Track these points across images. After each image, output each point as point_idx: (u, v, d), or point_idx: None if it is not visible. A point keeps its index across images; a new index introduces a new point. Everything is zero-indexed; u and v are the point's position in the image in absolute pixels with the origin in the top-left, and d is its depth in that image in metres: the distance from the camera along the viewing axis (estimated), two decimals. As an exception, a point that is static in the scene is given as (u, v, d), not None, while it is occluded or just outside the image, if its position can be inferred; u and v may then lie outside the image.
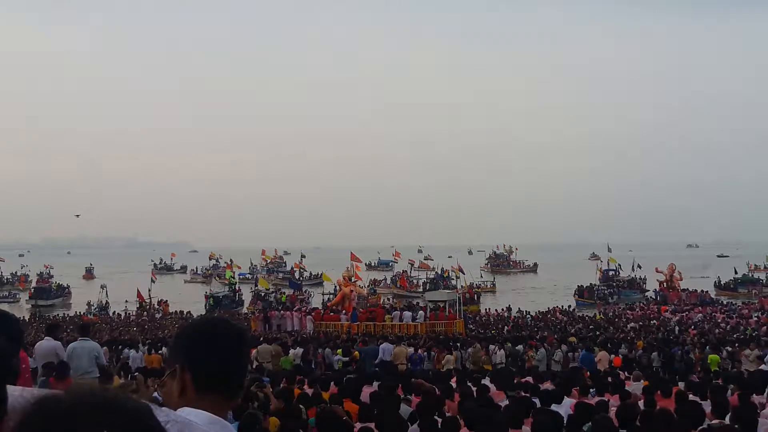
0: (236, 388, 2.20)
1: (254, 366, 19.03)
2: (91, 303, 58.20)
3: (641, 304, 54.00)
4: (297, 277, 70.82)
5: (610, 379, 14.29)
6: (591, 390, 12.01)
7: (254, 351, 21.31)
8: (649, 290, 64.22)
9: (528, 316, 45.70)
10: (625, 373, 17.26)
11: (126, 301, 58.06)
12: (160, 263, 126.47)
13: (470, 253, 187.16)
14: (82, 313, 53.41)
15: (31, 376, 8.64)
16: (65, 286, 74.74)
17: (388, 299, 54.78)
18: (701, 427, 7.46)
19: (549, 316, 45.21)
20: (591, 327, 36.70)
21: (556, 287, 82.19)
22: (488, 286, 68.50)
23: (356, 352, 22.74)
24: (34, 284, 75.64)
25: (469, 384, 12.60)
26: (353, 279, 44.85)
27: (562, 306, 50.27)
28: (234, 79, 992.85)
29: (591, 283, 66.10)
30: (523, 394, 10.94)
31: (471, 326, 38.40)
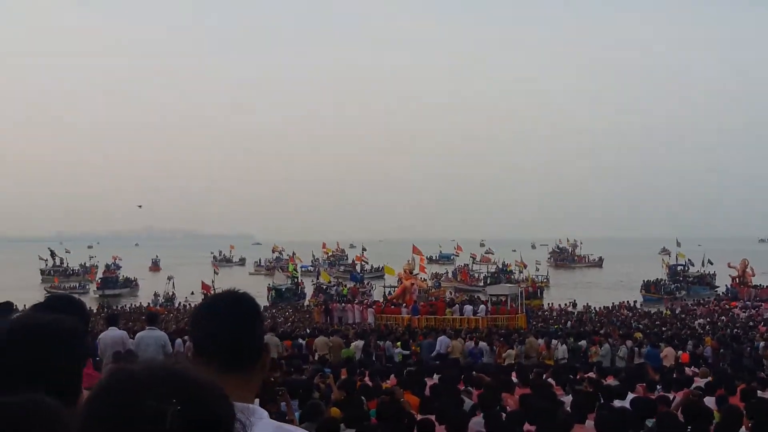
0: (249, 363, 2.09)
1: (316, 357, 19.31)
2: (158, 294, 59.65)
3: (712, 300, 52.69)
4: (358, 270, 71.17)
5: (675, 375, 14.05)
6: (657, 386, 11.85)
7: (314, 342, 21.66)
8: (719, 286, 62.61)
9: (592, 311, 45.10)
10: (693, 369, 16.94)
11: (192, 293, 59.20)
12: (220, 255, 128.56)
13: (533, 247, 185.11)
14: (148, 304, 54.79)
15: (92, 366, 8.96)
16: (132, 279, 76.80)
17: (450, 293, 54.69)
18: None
19: (614, 311, 44.53)
20: (657, 323, 35.99)
21: (622, 283, 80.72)
22: (541, 281, 67.24)
23: (414, 346, 22.87)
24: (100, 275, 77.91)
25: (531, 378, 12.58)
26: (416, 272, 44.93)
27: (628, 301, 49.36)
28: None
29: (658, 278, 64.98)
30: (587, 389, 10.88)
31: (533, 321, 38.11)
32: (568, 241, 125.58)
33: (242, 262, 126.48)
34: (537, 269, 72.08)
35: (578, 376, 13.94)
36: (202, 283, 56.82)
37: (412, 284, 41.19)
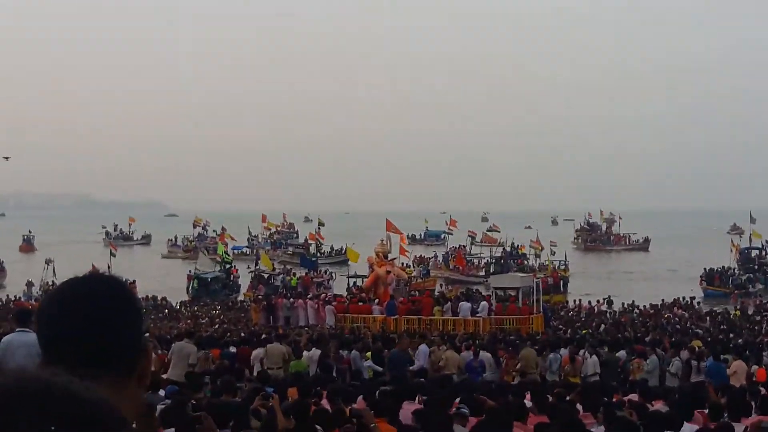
0: (116, 369, 2.07)
1: (255, 372, 19.29)
2: (32, 283, 59.12)
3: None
4: (313, 253, 71.20)
5: (747, 397, 14.20)
6: (722, 413, 11.98)
7: (254, 353, 21.69)
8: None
9: (634, 310, 45.52)
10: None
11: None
12: (115, 230, 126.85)
13: (555, 222, 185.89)
14: (17, 298, 54.27)
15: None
16: (-4, 261, 76.03)
17: (441, 285, 54.94)
18: None
19: (664, 311, 44.98)
20: (723, 327, 36.41)
21: (675, 272, 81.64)
22: (565, 270, 66.65)
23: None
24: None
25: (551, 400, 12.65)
26: (394, 256, 44.96)
27: (683, 298, 49.87)
28: None
29: (724, 266, 65.39)
30: (627, 415, 10.97)
31: (553, 323, 38.39)
32: (602, 214, 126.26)
33: (146, 239, 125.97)
34: (552, 252, 71.70)
35: (615, 399, 14.06)
36: (93, 268, 56.22)
37: (388, 273, 41.38)
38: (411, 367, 22.18)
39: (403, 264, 51.24)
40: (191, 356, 19.15)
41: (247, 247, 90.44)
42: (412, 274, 56.86)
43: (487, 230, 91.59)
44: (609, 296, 52.35)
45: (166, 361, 19.56)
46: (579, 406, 12.73)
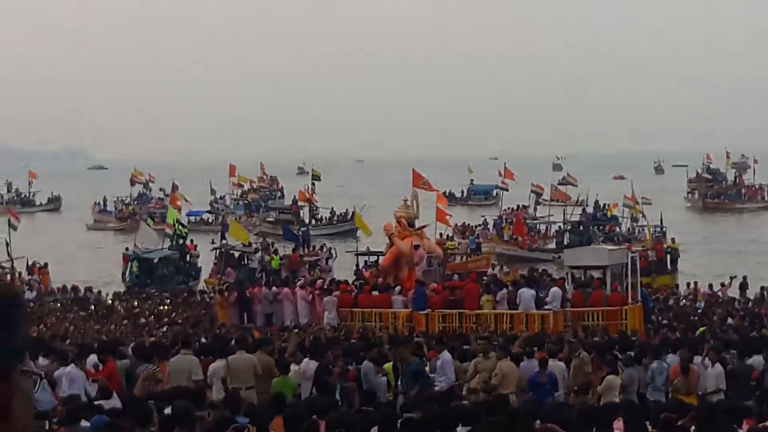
0: None
1: (221, 394, 19.42)
2: None
3: None
4: (302, 221, 71.38)
5: None
6: None
7: (211, 367, 21.77)
8: None
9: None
10: None
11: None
12: (10, 191, 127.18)
13: (659, 170, 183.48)
14: None
15: None
16: None
17: (493, 266, 54.93)
18: None
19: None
20: None
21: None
22: (673, 241, 65.01)
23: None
24: None
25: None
26: (423, 223, 44.68)
27: None
28: None
29: None
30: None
31: (658, 317, 38.39)
32: (728, 157, 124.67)
33: (55, 203, 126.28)
34: (641, 217, 71.29)
35: (747, 426, 14.11)
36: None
37: (415, 247, 41.10)
38: (434, 386, 22.41)
39: (441, 235, 51.14)
40: (193, 371, 19.59)
41: (209, 212, 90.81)
42: (455, 250, 56.45)
43: (560, 182, 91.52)
44: (739, 277, 52.14)
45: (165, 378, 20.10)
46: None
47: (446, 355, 23.73)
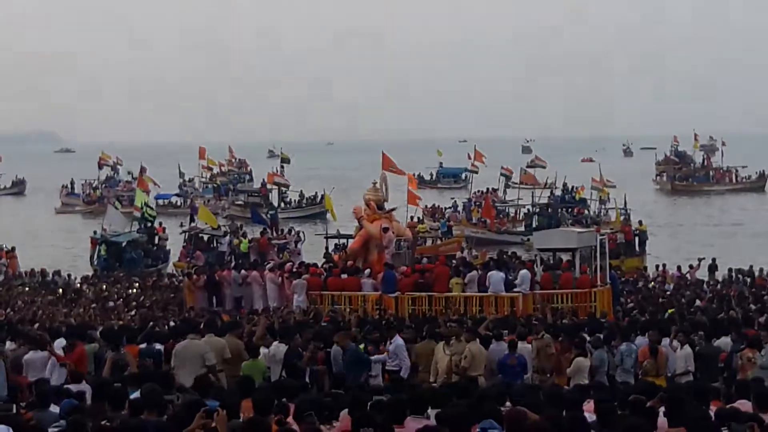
0: None
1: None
2: None
3: None
4: (271, 204, 71.28)
5: None
6: None
7: (175, 349, 21.59)
8: None
9: (742, 279, 45.66)
10: None
11: None
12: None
13: (628, 152, 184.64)
14: None
15: None
16: None
17: (463, 250, 54.94)
18: None
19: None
20: None
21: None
22: (639, 224, 64.55)
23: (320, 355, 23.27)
24: None
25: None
26: (392, 206, 44.59)
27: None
28: None
29: None
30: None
31: (626, 298, 38.50)
32: (695, 140, 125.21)
33: (19, 186, 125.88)
34: (609, 200, 71.47)
35: (715, 407, 14.14)
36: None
37: (384, 230, 41.04)
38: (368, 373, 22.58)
39: (412, 218, 51.15)
40: (206, 356, 19.55)
41: (177, 195, 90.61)
42: (426, 232, 56.46)
43: (529, 165, 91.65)
44: (707, 259, 52.30)
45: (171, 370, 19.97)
46: (663, 418, 12.82)
47: (398, 339, 23.82)
